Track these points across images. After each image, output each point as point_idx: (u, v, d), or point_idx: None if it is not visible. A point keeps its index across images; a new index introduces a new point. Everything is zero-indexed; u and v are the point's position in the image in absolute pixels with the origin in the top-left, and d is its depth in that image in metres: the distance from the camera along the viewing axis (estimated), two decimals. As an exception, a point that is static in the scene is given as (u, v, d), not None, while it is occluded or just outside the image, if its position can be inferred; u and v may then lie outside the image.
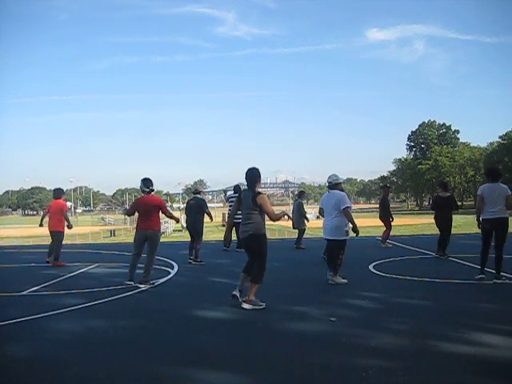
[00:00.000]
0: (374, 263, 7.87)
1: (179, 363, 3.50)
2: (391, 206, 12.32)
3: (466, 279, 6.31)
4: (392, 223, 10.59)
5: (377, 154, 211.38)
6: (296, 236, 10.98)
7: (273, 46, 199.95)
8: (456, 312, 4.75)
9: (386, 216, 10.56)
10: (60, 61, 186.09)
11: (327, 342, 3.91)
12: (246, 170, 5.19)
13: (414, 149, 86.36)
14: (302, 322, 4.50)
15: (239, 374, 3.27)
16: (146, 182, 6.61)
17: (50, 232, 8.76)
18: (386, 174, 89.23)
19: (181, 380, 3.20)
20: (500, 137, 72.51)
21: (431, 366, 3.31)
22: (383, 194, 11.40)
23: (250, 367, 3.39)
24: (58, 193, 9.10)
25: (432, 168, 74.34)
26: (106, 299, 5.62)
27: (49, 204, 9.22)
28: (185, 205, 9.71)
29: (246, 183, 5.20)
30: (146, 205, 6.54)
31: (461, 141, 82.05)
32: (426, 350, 3.62)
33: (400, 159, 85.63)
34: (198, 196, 9.25)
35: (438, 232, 8.79)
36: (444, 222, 8.63)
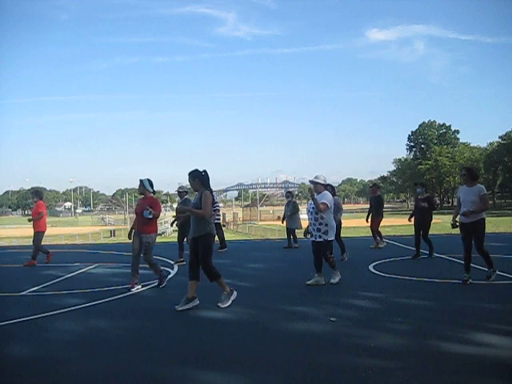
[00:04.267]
0: (374, 263, 7.87)
1: (179, 363, 3.50)
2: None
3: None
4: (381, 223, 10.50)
5: (377, 154, 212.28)
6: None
7: (273, 46, 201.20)
8: (456, 312, 4.75)
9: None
10: (60, 61, 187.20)
11: (327, 341, 3.91)
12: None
13: (414, 149, 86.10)
14: (302, 322, 4.50)
15: (239, 374, 3.27)
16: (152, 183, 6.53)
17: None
18: (385, 174, 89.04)
19: (181, 380, 3.20)
20: (500, 137, 72.42)
21: (431, 366, 3.31)
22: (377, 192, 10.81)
23: (250, 367, 3.39)
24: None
25: (432, 168, 74.19)
26: (106, 299, 5.62)
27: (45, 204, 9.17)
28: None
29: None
30: None
31: (461, 141, 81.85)
32: (426, 350, 3.61)
33: (400, 159, 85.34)
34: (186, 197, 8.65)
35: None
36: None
